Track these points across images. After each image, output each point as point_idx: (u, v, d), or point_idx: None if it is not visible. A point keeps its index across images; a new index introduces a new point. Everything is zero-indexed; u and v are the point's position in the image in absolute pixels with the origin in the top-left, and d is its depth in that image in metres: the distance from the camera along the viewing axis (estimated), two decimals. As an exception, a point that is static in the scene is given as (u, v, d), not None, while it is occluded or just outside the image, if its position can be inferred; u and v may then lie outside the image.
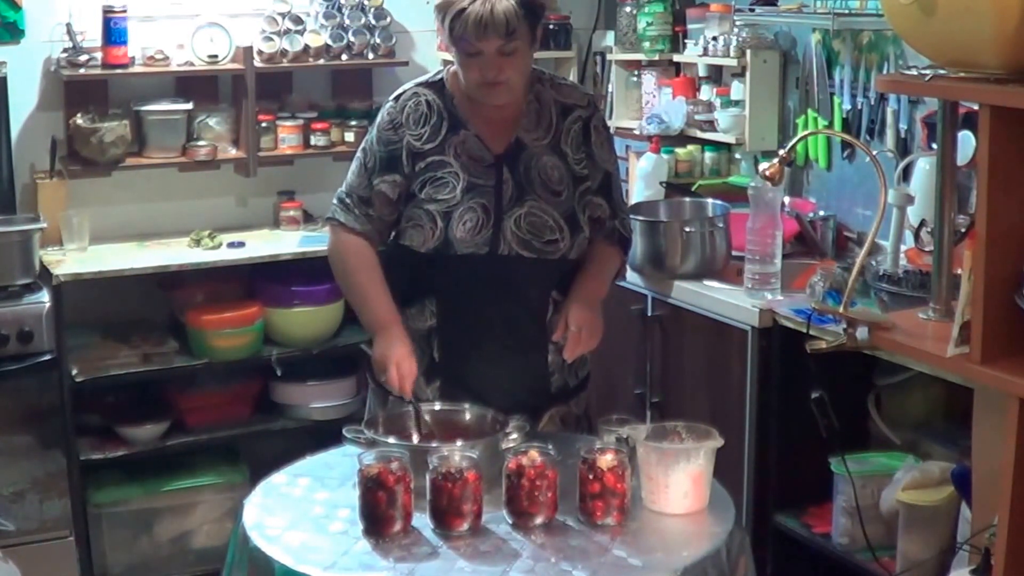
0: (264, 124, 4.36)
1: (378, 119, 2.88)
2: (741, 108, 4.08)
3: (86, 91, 4.18)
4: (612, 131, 4.33)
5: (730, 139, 4.14)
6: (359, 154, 2.89)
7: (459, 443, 2.48)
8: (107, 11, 4.06)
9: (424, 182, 2.79)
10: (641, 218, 3.63)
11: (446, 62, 2.95)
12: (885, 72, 3.62)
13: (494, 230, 2.76)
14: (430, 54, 4.62)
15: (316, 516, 2.44)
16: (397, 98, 2.86)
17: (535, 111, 2.84)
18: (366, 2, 4.48)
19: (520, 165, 2.80)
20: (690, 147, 4.28)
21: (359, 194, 2.85)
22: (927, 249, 3.23)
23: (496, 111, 2.81)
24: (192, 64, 4.24)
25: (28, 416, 3.81)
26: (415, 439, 2.63)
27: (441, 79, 2.86)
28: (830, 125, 3.86)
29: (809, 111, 3.94)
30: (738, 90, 4.10)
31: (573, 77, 4.58)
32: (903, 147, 3.63)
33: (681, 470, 2.41)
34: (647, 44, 4.35)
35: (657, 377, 3.74)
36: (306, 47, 4.36)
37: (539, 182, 2.80)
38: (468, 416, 2.68)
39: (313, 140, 4.43)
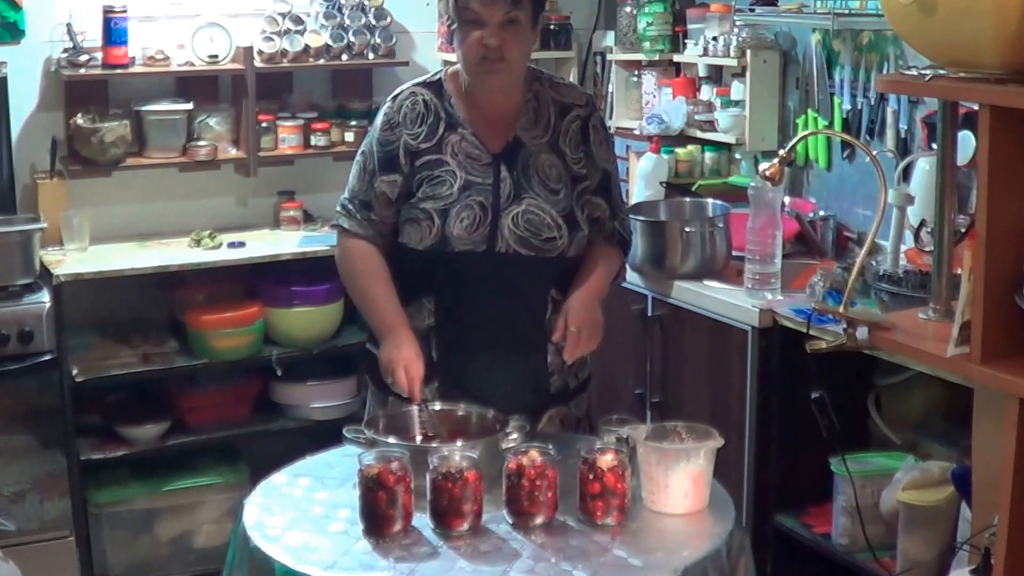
0: (264, 124, 4.36)
1: (376, 121, 2.88)
2: (741, 108, 4.08)
3: (86, 91, 4.17)
4: (612, 131, 4.35)
5: (730, 139, 4.14)
6: (359, 158, 2.88)
7: (459, 443, 2.48)
8: (107, 11, 4.06)
9: (421, 181, 2.78)
10: (641, 218, 3.63)
11: (446, 62, 2.95)
12: (885, 72, 3.62)
13: (491, 227, 2.76)
14: (430, 54, 4.62)
15: (316, 516, 2.44)
16: (394, 98, 2.86)
17: (533, 109, 2.84)
18: (366, 2, 4.48)
19: (518, 163, 2.79)
20: (690, 147, 4.28)
21: (360, 198, 2.84)
22: (927, 249, 3.23)
23: (494, 108, 2.81)
24: (192, 64, 4.24)
25: (28, 416, 3.81)
26: (419, 439, 2.62)
27: (439, 79, 2.86)
28: (830, 125, 3.86)
29: (809, 111, 3.94)
30: (738, 90, 4.10)
31: (573, 77, 4.58)
32: (903, 147, 3.63)
33: (681, 470, 2.41)
34: (647, 44, 4.35)
35: (657, 377, 3.74)
36: (306, 47, 4.36)
37: (537, 180, 2.79)
38: (468, 416, 2.68)
39: (313, 140, 4.43)
